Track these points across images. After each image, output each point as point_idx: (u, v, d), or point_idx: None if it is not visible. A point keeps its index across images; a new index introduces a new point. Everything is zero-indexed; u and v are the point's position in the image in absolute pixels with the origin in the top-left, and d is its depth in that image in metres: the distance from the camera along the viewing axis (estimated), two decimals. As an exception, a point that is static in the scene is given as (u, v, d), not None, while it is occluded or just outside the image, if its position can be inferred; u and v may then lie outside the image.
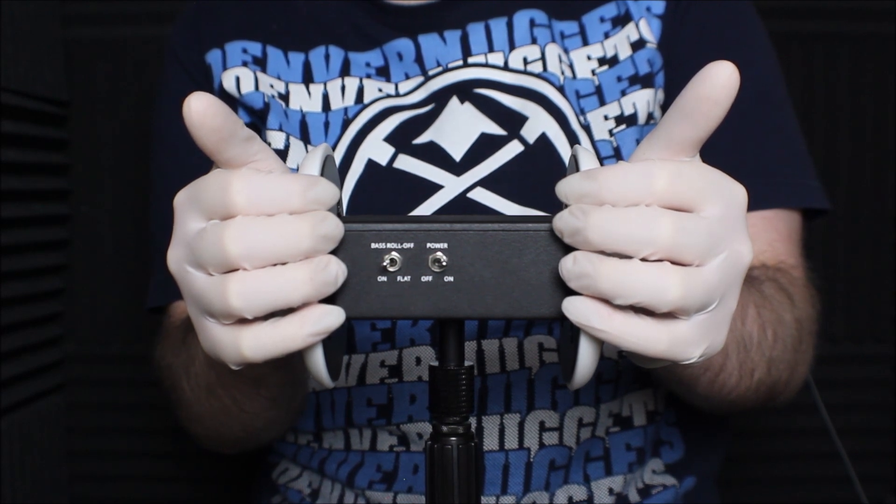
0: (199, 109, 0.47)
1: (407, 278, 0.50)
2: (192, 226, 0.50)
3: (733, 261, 0.49)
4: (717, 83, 0.47)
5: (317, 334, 0.48)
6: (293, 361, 0.73)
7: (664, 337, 0.48)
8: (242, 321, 0.49)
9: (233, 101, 0.87)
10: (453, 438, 0.54)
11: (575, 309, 0.48)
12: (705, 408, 0.81)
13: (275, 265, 0.48)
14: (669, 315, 0.48)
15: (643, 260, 0.47)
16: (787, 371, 0.77)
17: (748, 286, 0.73)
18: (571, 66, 0.85)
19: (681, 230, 0.47)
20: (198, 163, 0.50)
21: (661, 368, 0.58)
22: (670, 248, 0.47)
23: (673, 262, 0.47)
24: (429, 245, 0.49)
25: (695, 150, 0.49)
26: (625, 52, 0.85)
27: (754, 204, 0.78)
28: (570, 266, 0.47)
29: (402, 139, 0.83)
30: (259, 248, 0.47)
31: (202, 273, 0.49)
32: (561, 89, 0.83)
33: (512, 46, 0.86)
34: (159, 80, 0.95)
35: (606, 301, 0.48)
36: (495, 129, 0.82)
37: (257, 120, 0.87)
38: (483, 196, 0.79)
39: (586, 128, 0.82)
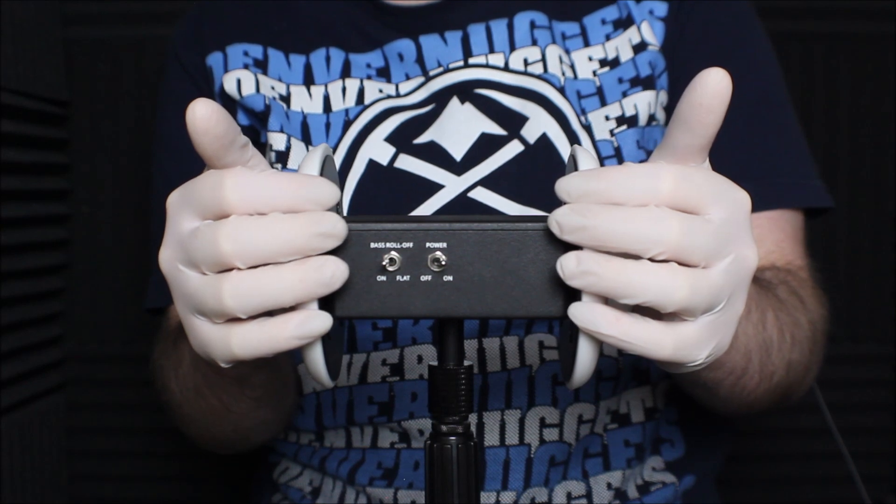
0: (204, 116, 0.47)
1: (406, 278, 0.50)
2: (186, 225, 0.50)
3: (740, 264, 0.49)
4: (708, 91, 0.47)
5: (301, 337, 0.48)
6: (278, 362, 0.74)
7: (670, 340, 0.48)
8: (234, 319, 0.49)
9: (233, 104, 0.87)
10: (452, 438, 0.54)
11: (581, 314, 0.48)
12: (721, 410, 0.81)
13: (271, 264, 0.48)
14: (674, 317, 0.49)
15: (650, 260, 0.47)
16: (802, 372, 0.78)
17: (765, 291, 0.73)
18: (573, 67, 0.85)
19: (688, 231, 0.47)
20: (199, 164, 0.51)
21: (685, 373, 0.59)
22: (678, 248, 0.47)
23: (679, 264, 0.47)
24: (428, 244, 0.49)
25: (700, 156, 0.50)
26: (626, 55, 0.85)
27: (760, 205, 0.78)
28: (572, 265, 0.47)
29: (402, 139, 0.83)
30: (251, 247, 0.47)
31: (196, 272, 0.49)
32: (562, 90, 0.83)
33: (512, 47, 0.86)
34: (161, 82, 0.95)
35: (608, 303, 0.48)
36: (496, 129, 0.82)
37: (257, 122, 0.87)
38: (484, 196, 0.79)
39: (587, 128, 0.82)
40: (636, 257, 0.47)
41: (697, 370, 0.52)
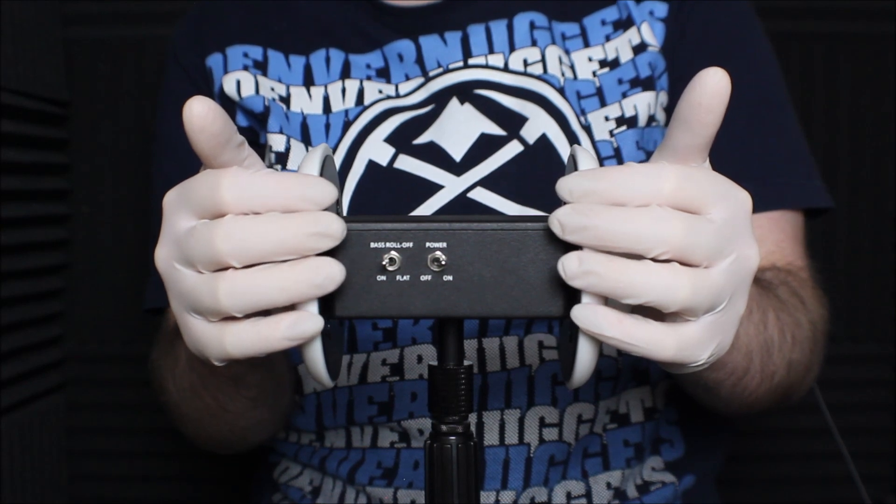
0: (201, 114, 0.47)
1: (406, 277, 0.50)
2: (182, 224, 0.50)
3: (741, 264, 0.49)
4: (707, 90, 0.48)
5: (292, 338, 0.48)
6: (273, 362, 0.74)
7: (672, 340, 0.48)
8: (229, 318, 0.49)
9: (232, 105, 0.87)
10: (452, 437, 0.55)
11: (584, 316, 0.48)
12: (722, 410, 0.81)
13: (268, 263, 0.48)
14: (676, 318, 0.49)
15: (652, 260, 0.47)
16: (803, 372, 0.78)
17: (765, 291, 0.73)
18: (572, 67, 0.85)
19: (690, 230, 0.47)
20: (199, 165, 0.51)
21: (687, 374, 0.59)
22: (680, 248, 0.47)
23: (680, 264, 0.47)
24: (428, 244, 0.49)
25: (701, 156, 0.50)
26: (626, 55, 0.85)
27: (760, 205, 0.78)
28: (574, 265, 0.47)
29: (402, 140, 0.83)
30: (246, 246, 0.47)
31: (192, 271, 0.50)
32: (561, 91, 0.83)
33: (512, 48, 0.86)
34: (161, 83, 0.95)
35: (608, 303, 0.48)
36: (495, 130, 0.82)
37: (256, 123, 0.87)
38: (483, 196, 0.79)
39: (587, 128, 0.82)
40: (637, 257, 0.47)
41: (699, 371, 0.52)
